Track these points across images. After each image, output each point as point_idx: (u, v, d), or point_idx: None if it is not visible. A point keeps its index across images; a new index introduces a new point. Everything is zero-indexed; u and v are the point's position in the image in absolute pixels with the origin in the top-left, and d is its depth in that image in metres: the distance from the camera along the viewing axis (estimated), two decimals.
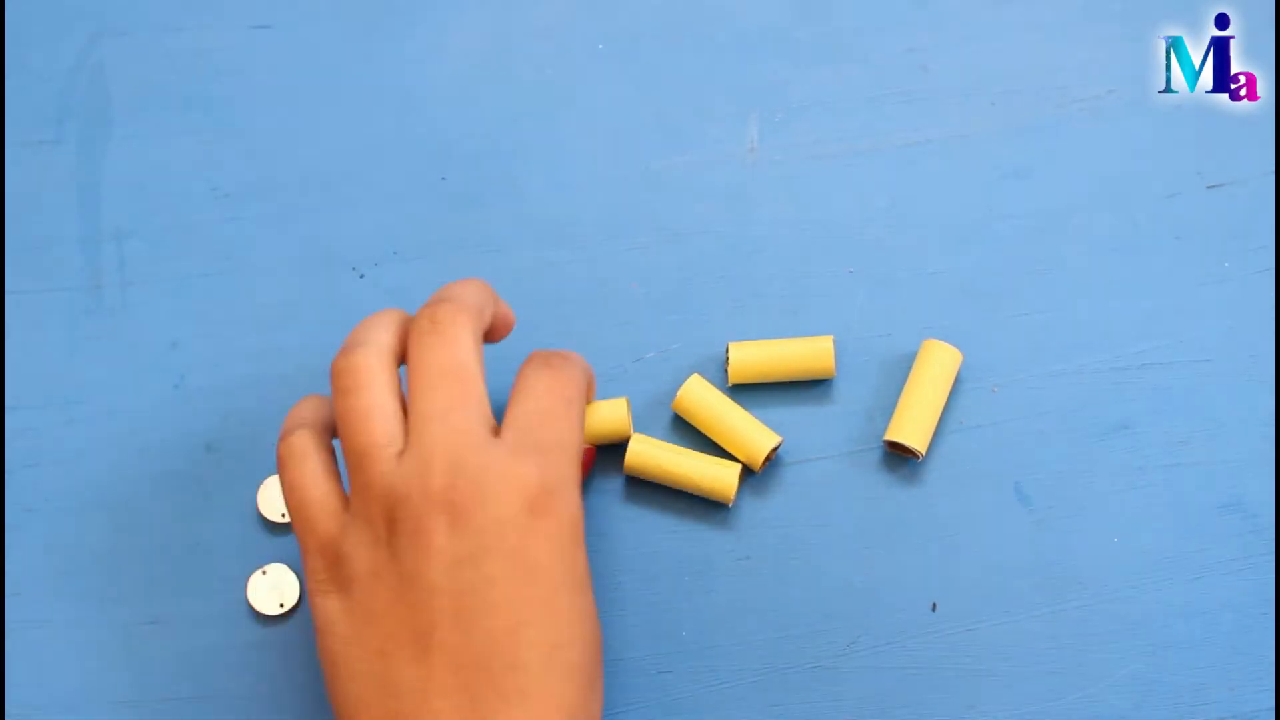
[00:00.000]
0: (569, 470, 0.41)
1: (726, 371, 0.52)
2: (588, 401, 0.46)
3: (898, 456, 0.51)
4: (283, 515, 0.51)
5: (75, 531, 0.51)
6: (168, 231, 0.54)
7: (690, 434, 0.51)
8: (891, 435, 0.50)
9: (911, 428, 0.50)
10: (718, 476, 0.49)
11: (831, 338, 0.51)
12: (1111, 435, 0.51)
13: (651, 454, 0.50)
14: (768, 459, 0.50)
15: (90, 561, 0.51)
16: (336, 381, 0.41)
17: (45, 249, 0.54)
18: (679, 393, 0.50)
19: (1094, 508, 0.51)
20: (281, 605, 0.49)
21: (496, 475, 0.39)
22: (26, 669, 0.49)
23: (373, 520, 0.40)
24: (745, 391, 0.52)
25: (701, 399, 0.50)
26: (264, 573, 0.50)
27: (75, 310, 0.53)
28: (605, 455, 0.51)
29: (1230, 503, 0.51)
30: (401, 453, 0.40)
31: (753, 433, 0.50)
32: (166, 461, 0.52)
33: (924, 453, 0.50)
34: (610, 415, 0.49)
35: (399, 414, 0.41)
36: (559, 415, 0.42)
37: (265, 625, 0.50)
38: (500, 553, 0.38)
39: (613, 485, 0.51)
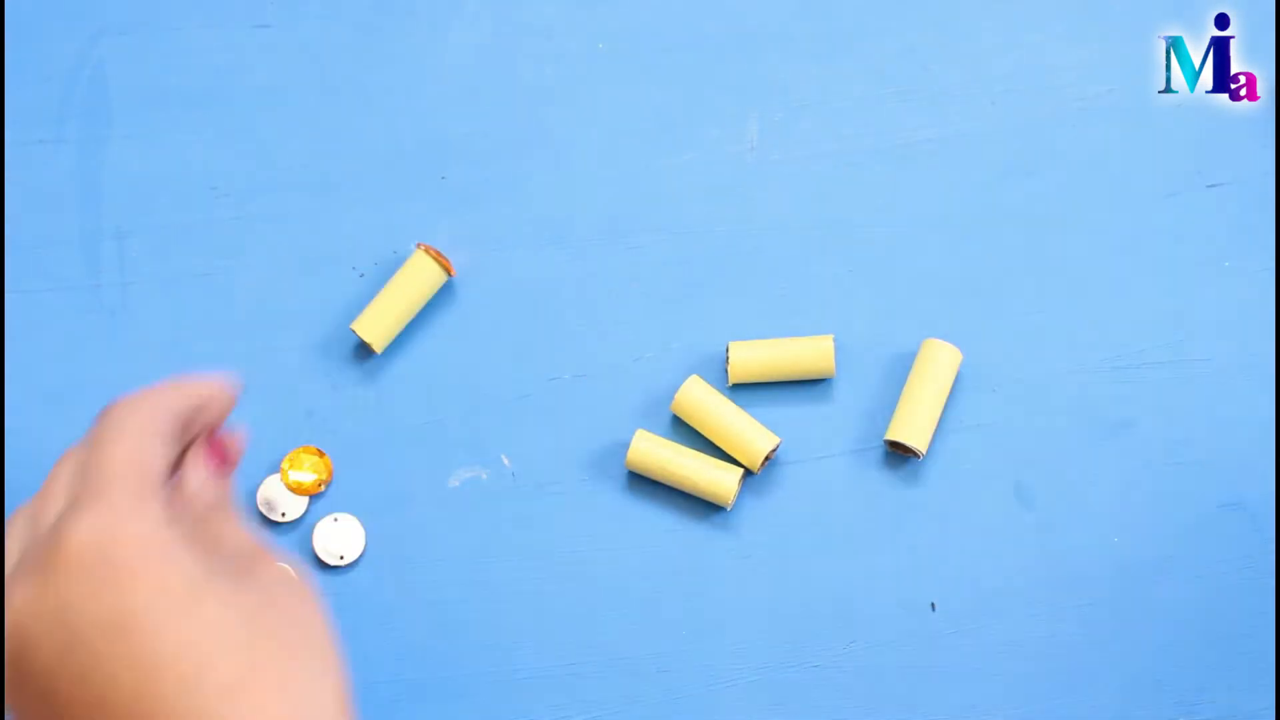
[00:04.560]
0: (108, 497, 0.35)
1: (726, 371, 0.52)
2: (206, 400, 0.40)
3: (898, 456, 0.51)
4: (283, 515, 0.51)
5: None
6: (168, 231, 0.54)
7: (691, 434, 0.51)
8: (892, 435, 0.50)
9: (912, 427, 0.50)
10: (718, 480, 0.49)
11: (831, 337, 0.51)
12: (1111, 435, 0.51)
13: (653, 452, 0.50)
14: (767, 459, 0.50)
15: None
16: None
17: (45, 249, 0.54)
18: (677, 394, 0.50)
19: (1094, 508, 0.51)
20: None
21: (37, 562, 0.35)
22: None
23: None
24: (745, 391, 0.52)
25: (700, 400, 0.50)
26: None
27: (75, 310, 0.53)
28: (607, 453, 0.51)
29: (1230, 502, 0.51)
30: None
31: (751, 434, 0.50)
32: None
33: (924, 452, 0.50)
34: None
35: None
36: (87, 460, 0.37)
37: None
38: (84, 636, 0.34)
39: (613, 484, 0.51)
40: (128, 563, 0.34)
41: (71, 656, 0.34)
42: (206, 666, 0.33)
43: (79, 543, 0.34)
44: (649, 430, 0.51)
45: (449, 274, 0.52)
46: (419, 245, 0.52)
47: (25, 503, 0.39)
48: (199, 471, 0.40)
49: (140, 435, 0.37)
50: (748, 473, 0.51)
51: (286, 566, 0.38)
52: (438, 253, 0.52)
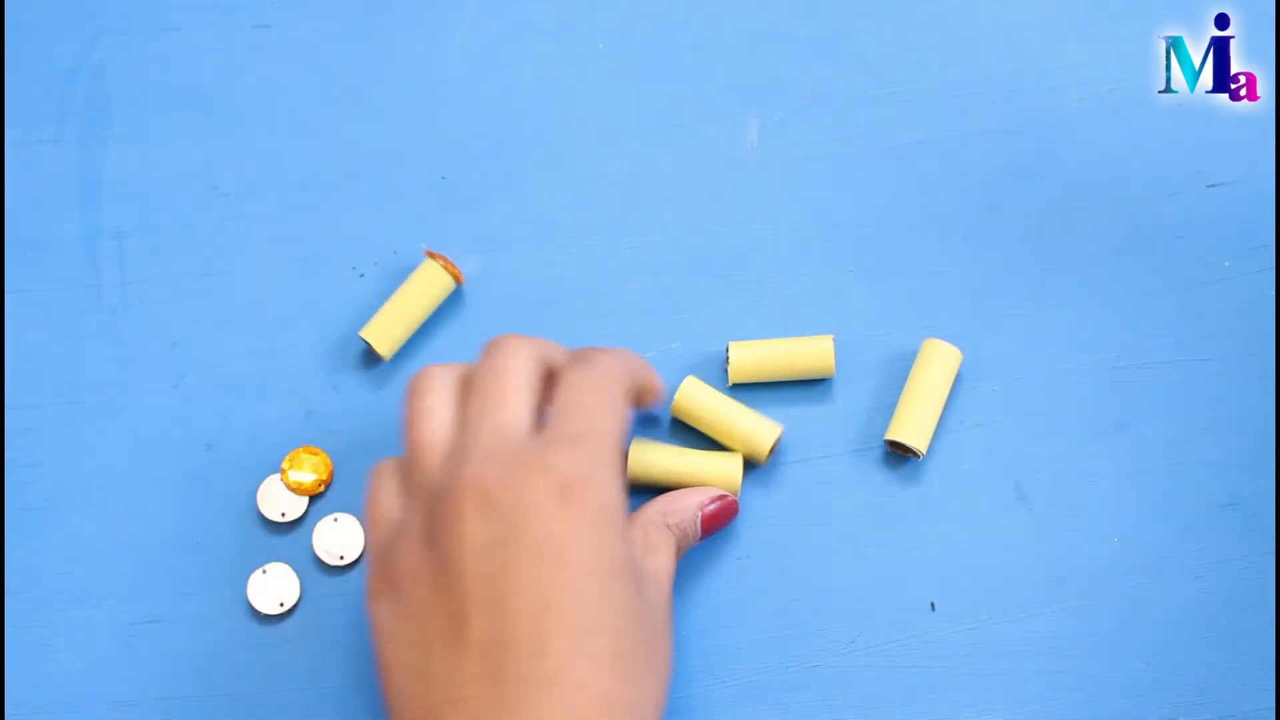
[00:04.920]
0: (604, 457, 0.41)
1: (726, 371, 0.52)
2: (649, 390, 0.47)
3: (898, 456, 0.51)
4: (283, 515, 0.51)
5: (75, 531, 0.51)
6: (168, 231, 0.54)
7: (693, 436, 0.51)
8: (892, 435, 0.50)
9: (912, 427, 0.50)
10: (722, 471, 0.49)
11: (831, 337, 0.51)
12: (1111, 435, 0.51)
13: (653, 462, 0.49)
14: (772, 449, 0.50)
15: (90, 561, 0.51)
16: (409, 386, 0.44)
17: (45, 249, 0.54)
18: (675, 397, 0.50)
19: (1094, 508, 0.51)
20: (282, 604, 0.49)
21: (525, 462, 0.40)
22: (26, 669, 0.49)
23: (417, 515, 0.41)
24: (745, 391, 0.52)
25: (698, 399, 0.50)
26: (264, 572, 0.50)
27: (75, 310, 0.53)
28: None
29: (1230, 502, 0.51)
30: (449, 452, 0.42)
31: (754, 425, 0.50)
32: (166, 461, 0.52)
33: (924, 452, 0.50)
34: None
35: (455, 419, 0.43)
36: (591, 406, 0.42)
37: (265, 625, 0.50)
38: (528, 536, 0.38)
39: None
40: (597, 509, 0.39)
41: (494, 553, 0.39)
42: (593, 631, 0.38)
43: (568, 470, 0.39)
44: (648, 435, 0.51)
45: (458, 281, 0.52)
46: (426, 252, 0.52)
47: (445, 367, 0.44)
48: (693, 513, 0.47)
49: (623, 404, 0.43)
50: (751, 466, 0.50)
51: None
52: (446, 259, 0.51)
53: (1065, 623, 0.50)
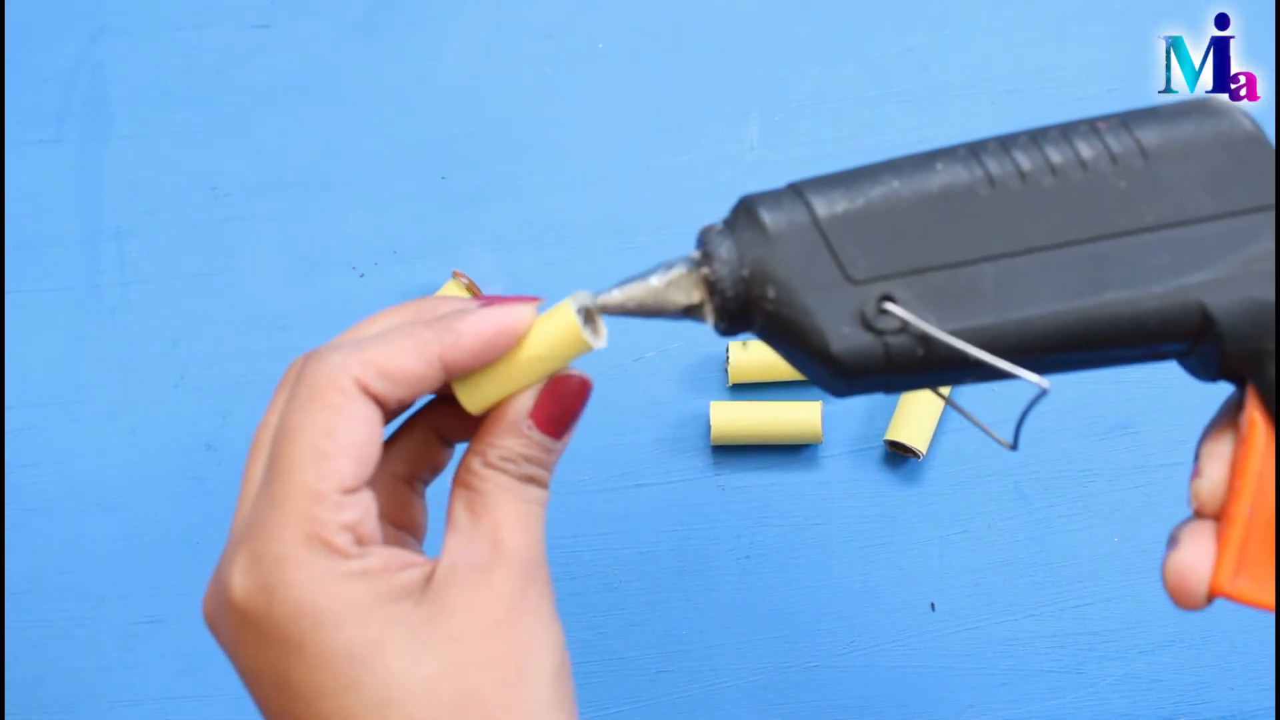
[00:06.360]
0: (274, 553, 0.31)
1: (727, 371, 0.52)
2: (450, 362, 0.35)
3: (898, 456, 0.51)
4: None
5: (75, 531, 0.51)
6: (168, 231, 0.54)
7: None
8: (892, 435, 0.50)
9: (912, 427, 0.50)
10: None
11: None
12: (1111, 435, 0.51)
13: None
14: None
15: (90, 561, 0.50)
16: None
17: (45, 249, 0.54)
18: (712, 424, 0.50)
19: (1094, 507, 0.51)
20: None
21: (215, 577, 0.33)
22: (27, 669, 0.49)
23: None
24: (746, 391, 0.52)
25: (733, 415, 0.50)
26: None
27: (75, 310, 0.53)
28: (608, 453, 0.51)
29: None
30: None
31: (796, 412, 0.50)
32: (166, 461, 0.52)
33: (924, 452, 0.50)
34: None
35: None
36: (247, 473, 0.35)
37: None
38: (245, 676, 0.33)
39: (614, 484, 0.51)
40: (276, 631, 0.31)
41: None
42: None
43: (239, 599, 0.31)
44: (648, 435, 0.51)
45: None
46: (454, 273, 0.52)
47: None
48: (519, 426, 0.35)
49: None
50: (751, 463, 0.51)
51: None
52: (471, 281, 0.51)
53: (1065, 622, 0.50)
